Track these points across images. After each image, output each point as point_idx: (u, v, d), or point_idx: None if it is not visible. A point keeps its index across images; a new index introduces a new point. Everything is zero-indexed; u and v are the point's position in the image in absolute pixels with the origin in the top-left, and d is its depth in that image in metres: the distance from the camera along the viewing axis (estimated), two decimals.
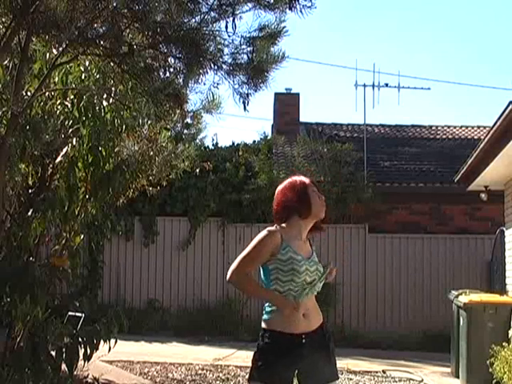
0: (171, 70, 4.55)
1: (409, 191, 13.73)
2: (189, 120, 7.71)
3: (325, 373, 3.50)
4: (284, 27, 4.47)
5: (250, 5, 4.33)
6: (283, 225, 3.56)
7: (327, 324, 3.65)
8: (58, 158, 5.64)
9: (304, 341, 3.44)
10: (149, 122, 6.38)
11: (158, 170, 6.84)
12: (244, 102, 4.62)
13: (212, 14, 4.31)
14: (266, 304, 3.56)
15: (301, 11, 4.16)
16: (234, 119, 47.71)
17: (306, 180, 3.63)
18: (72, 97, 5.55)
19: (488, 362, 7.28)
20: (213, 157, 13.64)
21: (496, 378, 7.16)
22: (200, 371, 8.51)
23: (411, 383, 8.40)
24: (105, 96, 5.46)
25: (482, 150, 8.20)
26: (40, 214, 5.46)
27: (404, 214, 13.61)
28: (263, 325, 3.53)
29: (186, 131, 9.45)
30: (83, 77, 5.52)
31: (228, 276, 3.48)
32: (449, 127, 17.52)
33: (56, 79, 5.42)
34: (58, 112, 5.51)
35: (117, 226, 12.94)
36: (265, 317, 3.53)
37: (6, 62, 4.95)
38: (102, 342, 5.68)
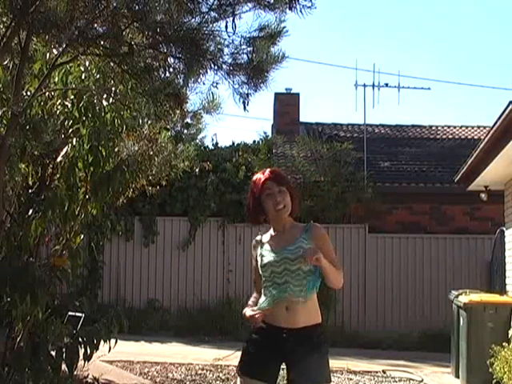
0: (171, 69, 4.55)
1: (409, 191, 13.73)
2: (189, 120, 7.71)
3: (313, 374, 3.41)
4: (284, 27, 4.47)
5: (250, 5, 4.32)
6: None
7: (322, 328, 3.53)
8: (58, 158, 5.63)
9: (285, 335, 3.41)
10: (149, 121, 6.37)
11: (157, 170, 6.84)
12: (244, 102, 4.62)
13: (212, 13, 4.31)
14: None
15: (301, 11, 4.16)
16: (233, 119, 47.73)
17: (258, 181, 3.55)
18: (72, 97, 5.54)
19: (488, 361, 7.29)
20: (213, 157, 13.65)
21: (496, 377, 7.17)
22: (200, 371, 8.51)
23: (411, 383, 8.40)
24: (105, 96, 5.45)
25: (481, 150, 8.20)
26: (40, 214, 5.45)
27: (404, 213, 13.61)
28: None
29: (185, 131, 9.45)
30: (83, 77, 5.51)
31: None
32: (449, 127, 17.52)
33: (56, 79, 5.42)
34: (58, 112, 5.50)
35: (117, 226, 12.95)
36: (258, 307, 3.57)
37: (6, 62, 4.95)
38: (102, 341, 5.67)
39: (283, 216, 3.54)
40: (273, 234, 3.61)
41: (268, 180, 3.52)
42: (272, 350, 3.43)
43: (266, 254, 3.53)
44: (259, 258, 3.57)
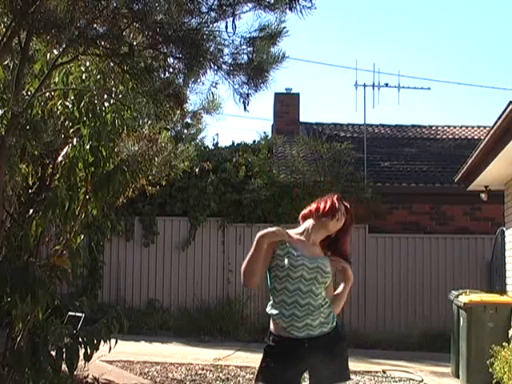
0: (171, 70, 4.55)
1: (409, 191, 13.73)
2: (189, 120, 7.70)
3: (330, 374, 3.46)
4: (284, 27, 4.47)
5: (250, 5, 4.32)
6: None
7: (337, 327, 3.57)
8: (59, 158, 5.64)
9: (307, 345, 3.43)
10: (149, 122, 6.38)
11: (157, 170, 6.83)
12: (244, 102, 4.61)
13: (212, 14, 4.31)
14: (267, 308, 3.58)
15: (301, 12, 4.16)
16: (233, 119, 47.77)
17: (333, 209, 3.60)
18: (72, 97, 5.54)
19: (488, 362, 7.28)
20: (213, 157, 13.65)
21: (496, 378, 7.16)
22: (200, 371, 8.51)
23: (411, 383, 8.40)
24: (105, 96, 5.45)
25: (482, 150, 8.20)
26: (40, 214, 5.45)
27: (404, 213, 13.61)
28: (270, 326, 3.55)
29: (185, 131, 9.46)
30: (84, 77, 5.52)
31: None
32: (449, 127, 17.53)
33: (56, 79, 5.42)
34: (58, 112, 5.51)
35: (117, 226, 12.92)
36: (272, 319, 3.55)
37: (6, 62, 4.95)
38: (102, 342, 5.67)
39: (331, 228, 3.59)
40: (301, 239, 3.58)
41: (343, 218, 3.60)
42: (292, 360, 3.45)
43: (299, 256, 3.48)
44: (287, 256, 3.48)
